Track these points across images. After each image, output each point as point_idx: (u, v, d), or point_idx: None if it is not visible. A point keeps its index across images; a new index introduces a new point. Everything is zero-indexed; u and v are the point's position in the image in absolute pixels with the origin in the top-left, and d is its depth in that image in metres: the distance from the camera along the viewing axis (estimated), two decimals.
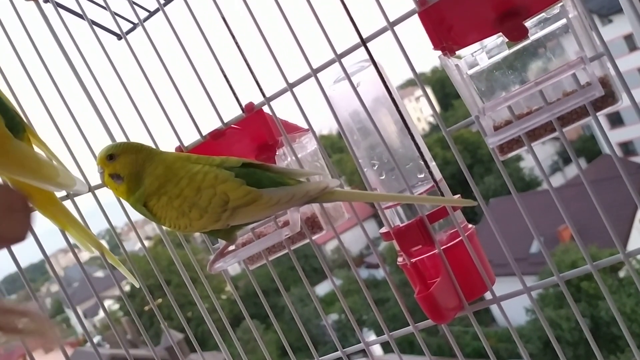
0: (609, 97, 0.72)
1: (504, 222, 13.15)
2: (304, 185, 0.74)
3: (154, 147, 0.81)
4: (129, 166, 0.75)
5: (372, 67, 0.79)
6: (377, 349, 10.72)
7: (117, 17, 0.92)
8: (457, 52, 0.76)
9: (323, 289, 18.63)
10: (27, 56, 0.91)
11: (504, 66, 0.76)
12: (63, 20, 0.92)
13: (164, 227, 0.82)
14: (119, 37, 0.94)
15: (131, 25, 0.94)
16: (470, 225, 0.83)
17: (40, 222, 0.93)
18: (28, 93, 0.92)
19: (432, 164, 0.81)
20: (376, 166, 0.84)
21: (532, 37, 0.73)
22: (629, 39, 16.71)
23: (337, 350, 0.90)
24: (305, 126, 0.89)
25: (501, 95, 0.75)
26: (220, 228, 0.76)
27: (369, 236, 0.91)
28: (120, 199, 0.82)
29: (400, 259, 0.83)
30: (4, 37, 0.90)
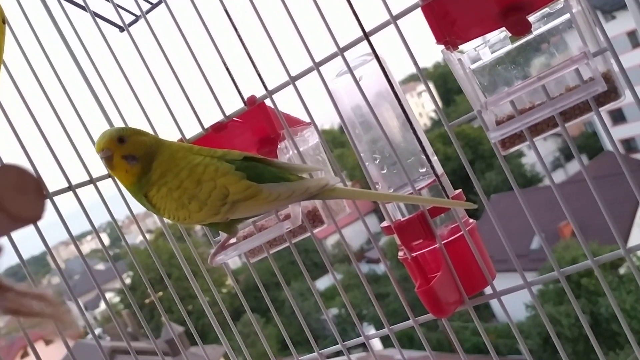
0: (612, 93, 0.72)
1: (504, 218, 13.15)
2: (304, 181, 0.74)
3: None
4: (143, 146, 0.74)
5: (375, 61, 0.79)
6: (376, 344, 10.75)
7: (119, 9, 0.91)
8: (460, 47, 0.76)
9: (323, 283, 18.65)
10: (29, 48, 0.91)
11: (506, 61, 0.76)
12: (65, 11, 0.92)
13: (165, 220, 0.81)
14: (122, 29, 0.94)
15: (134, 18, 0.94)
16: (471, 220, 0.83)
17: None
18: (30, 85, 0.92)
19: (434, 159, 0.81)
20: (378, 160, 0.84)
21: (535, 32, 0.73)
22: (632, 35, 16.65)
23: (337, 344, 0.90)
24: (307, 120, 0.89)
25: (504, 90, 0.75)
26: (219, 221, 0.76)
27: (370, 230, 0.91)
28: (123, 187, 0.80)
29: (401, 253, 0.83)
30: (6, 28, 0.90)
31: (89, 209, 0.91)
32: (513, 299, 0.85)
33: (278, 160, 0.83)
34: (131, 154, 0.74)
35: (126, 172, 0.75)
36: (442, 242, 0.79)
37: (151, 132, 0.90)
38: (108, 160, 0.75)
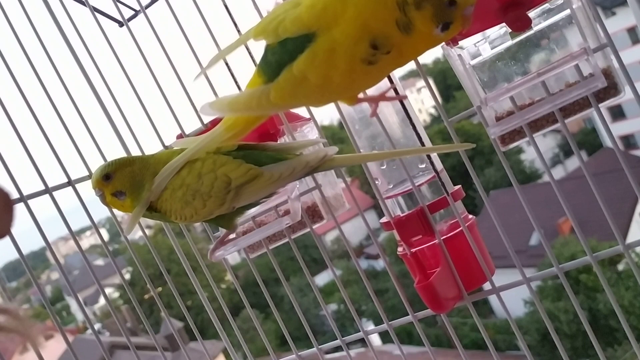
0: (612, 89, 0.71)
1: (503, 214, 13.15)
2: (303, 156, 0.75)
3: (145, 154, 0.80)
4: (128, 179, 0.75)
5: None
6: (375, 340, 10.77)
7: (118, 4, 0.91)
8: (460, 43, 0.76)
9: (322, 279, 18.67)
10: (28, 43, 0.90)
11: (506, 57, 0.76)
12: (64, 6, 0.91)
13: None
14: (121, 24, 0.94)
15: (133, 12, 0.94)
16: (470, 216, 0.83)
17: (41, 210, 0.93)
18: (29, 80, 0.92)
19: (433, 155, 0.81)
20: None
21: (536, 28, 0.73)
22: (632, 31, 16.62)
23: (337, 339, 0.90)
24: (307, 115, 0.88)
25: (503, 86, 0.75)
26: (226, 212, 0.76)
27: (369, 226, 0.91)
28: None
29: (400, 249, 0.83)
30: (5, 23, 0.90)
31: (88, 204, 0.91)
32: (511, 295, 0.86)
33: (272, 143, 0.83)
34: (118, 191, 0.75)
35: (122, 206, 0.77)
36: (442, 238, 0.79)
37: (151, 127, 0.91)
38: (102, 199, 0.77)
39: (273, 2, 0.79)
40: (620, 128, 19.09)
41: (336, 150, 0.75)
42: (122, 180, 0.75)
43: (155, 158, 0.77)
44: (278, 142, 0.87)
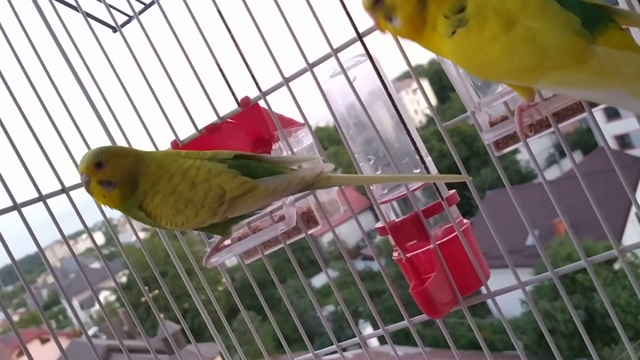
0: None
1: (500, 214, 13.11)
2: (299, 171, 0.74)
3: (139, 149, 0.79)
4: (120, 171, 0.73)
5: (369, 61, 0.79)
6: (373, 341, 10.75)
7: (112, 10, 0.91)
8: None
9: (320, 280, 18.63)
10: (21, 49, 0.90)
11: None
12: (57, 12, 0.91)
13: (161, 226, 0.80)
14: (114, 30, 0.94)
15: (126, 18, 0.94)
16: (465, 220, 0.83)
17: (38, 213, 0.93)
18: (22, 86, 0.91)
19: (428, 159, 0.81)
20: (372, 161, 0.84)
21: None
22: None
23: (333, 344, 0.90)
24: (301, 120, 0.88)
25: (497, 90, 0.75)
26: (218, 221, 0.75)
27: (364, 230, 0.91)
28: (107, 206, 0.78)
29: (395, 254, 0.83)
30: None
31: (85, 207, 0.91)
32: (508, 295, 0.86)
33: (269, 155, 0.83)
34: (107, 180, 0.73)
35: (104, 197, 0.74)
36: (437, 243, 0.79)
37: (144, 133, 0.90)
38: (86, 185, 0.74)
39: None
40: (615, 128, 19.14)
41: (332, 167, 0.75)
42: (114, 170, 0.73)
43: (150, 156, 0.76)
44: (273, 147, 0.87)
